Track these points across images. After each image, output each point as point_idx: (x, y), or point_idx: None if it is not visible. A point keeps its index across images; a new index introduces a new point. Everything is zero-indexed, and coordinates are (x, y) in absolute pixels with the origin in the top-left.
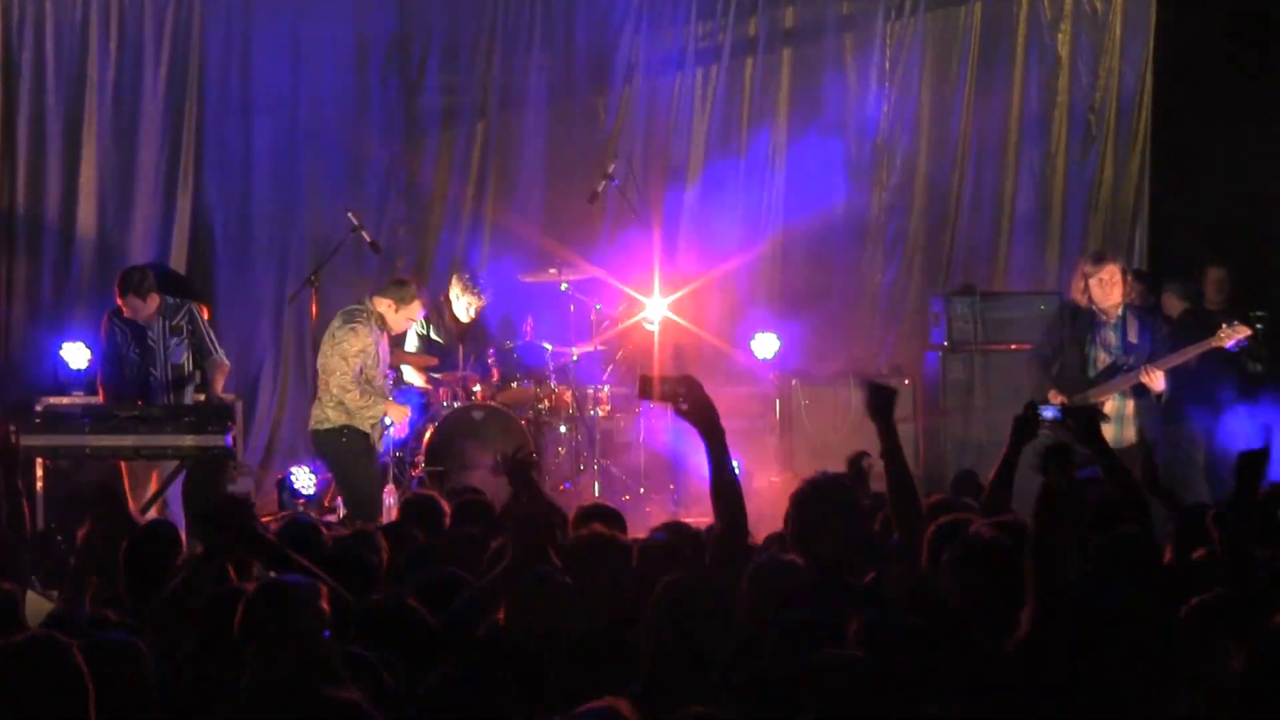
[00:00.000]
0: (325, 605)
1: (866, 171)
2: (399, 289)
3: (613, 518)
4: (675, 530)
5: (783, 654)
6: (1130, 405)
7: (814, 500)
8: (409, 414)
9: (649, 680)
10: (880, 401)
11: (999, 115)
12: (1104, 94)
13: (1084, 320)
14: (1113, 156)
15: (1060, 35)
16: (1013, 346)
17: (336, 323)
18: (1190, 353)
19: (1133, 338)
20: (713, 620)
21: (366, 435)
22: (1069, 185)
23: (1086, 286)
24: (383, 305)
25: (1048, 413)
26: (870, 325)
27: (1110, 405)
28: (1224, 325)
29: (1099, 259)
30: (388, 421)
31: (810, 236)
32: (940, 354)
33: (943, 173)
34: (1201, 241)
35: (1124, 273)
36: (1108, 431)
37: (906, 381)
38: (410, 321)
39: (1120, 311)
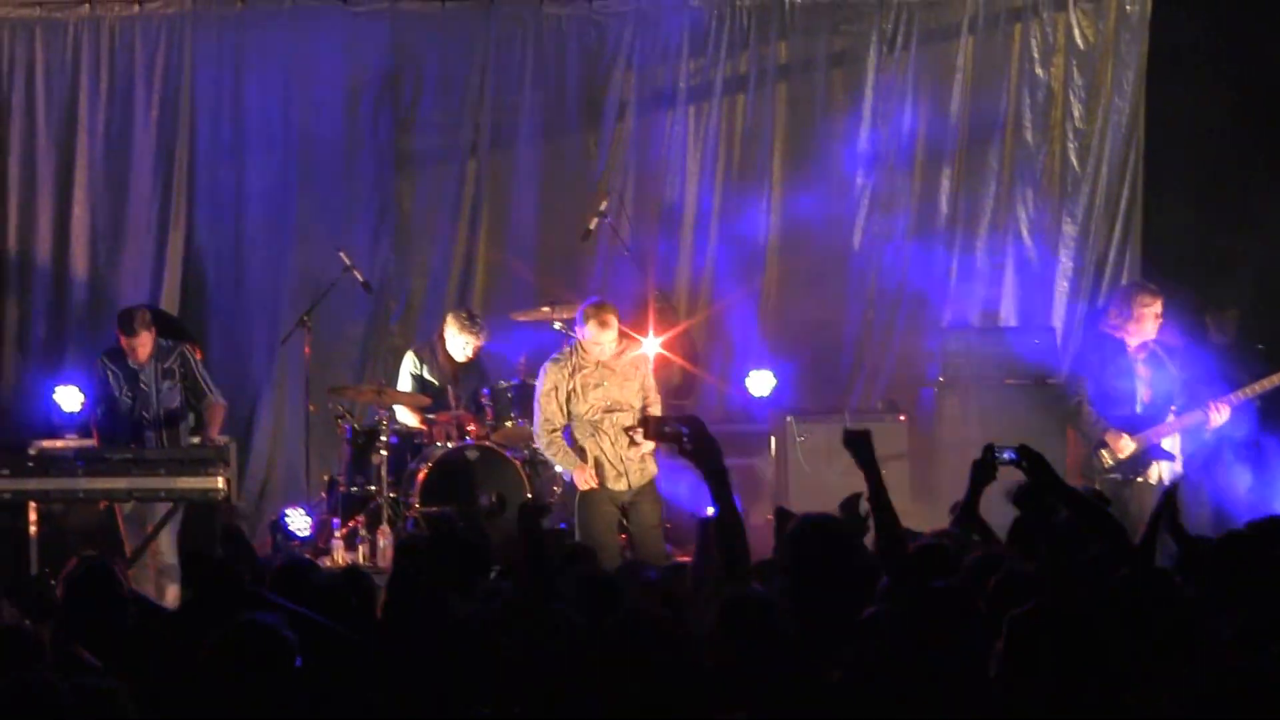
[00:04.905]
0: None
1: (860, 206)
2: (582, 311)
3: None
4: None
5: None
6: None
7: (810, 539)
8: (592, 479)
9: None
10: (859, 447)
11: (993, 148)
12: (1096, 126)
13: (1124, 354)
14: (1105, 188)
15: (1053, 69)
16: (1008, 382)
17: None
18: (1259, 387)
19: (1172, 370)
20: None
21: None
22: (1062, 218)
23: (1140, 318)
24: (580, 336)
25: (1006, 454)
26: (865, 362)
27: (1169, 443)
28: None
29: (1154, 291)
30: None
31: (805, 272)
32: (935, 390)
33: (936, 207)
34: (1191, 274)
35: None
36: (1167, 471)
37: (902, 418)
38: (597, 344)
39: (1151, 345)
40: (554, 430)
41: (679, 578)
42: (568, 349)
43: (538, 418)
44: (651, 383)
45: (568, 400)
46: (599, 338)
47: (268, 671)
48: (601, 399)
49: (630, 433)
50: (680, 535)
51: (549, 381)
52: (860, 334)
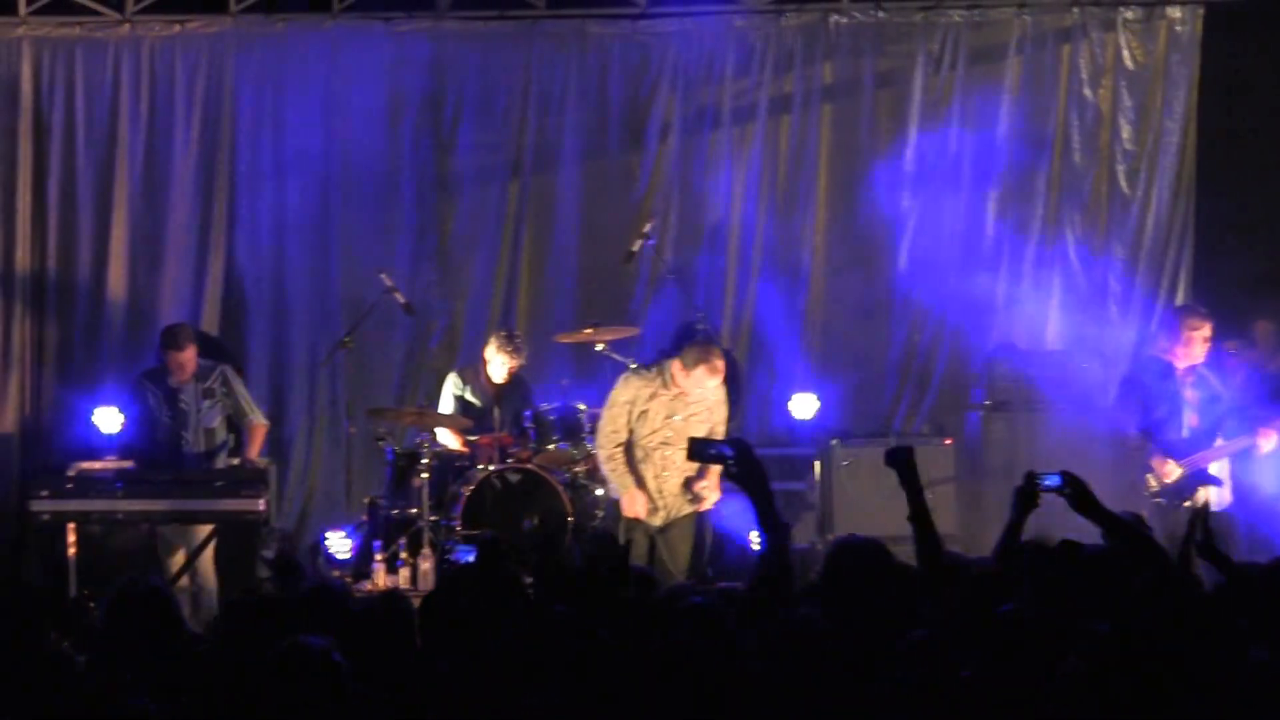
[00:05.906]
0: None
1: (905, 228)
2: (689, 349)
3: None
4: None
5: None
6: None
7: (848, 560)
8: (639, 507)
9: None
10: (901, 465)
11: (1040, 170)
12: (1146, 149)
13: (1171, 378)
14: (1154, 211)
15: (1102, 90)
16: (1055, 406)
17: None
18: None
19: (1220, 394)
20: None
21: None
22: (1110, 241)
23: (1188, 341)
24: (674, 364)
25: (1049, 481)
26: (910, 384)
27: (1216, 468)
28: None
29: (1203, 315)
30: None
31: (849, 294)
32: (982, 413)
33: (982, 229)
34: (1244, 297)
35: None
36: (1214, 496)
37: (948, 441)
38: (700, 386)
39: (1199, 369)
40: (619, 445)
41: (726, 603)
42: (655, 367)
43: (605, 426)
44: (722, 431)
45: (637, 419)
46: (705, 382)
47: (317, 694)
48: (664, 429)
49: (690, 491)
50: (724, 561)
51: (628, 393)
52: (905, 356)
